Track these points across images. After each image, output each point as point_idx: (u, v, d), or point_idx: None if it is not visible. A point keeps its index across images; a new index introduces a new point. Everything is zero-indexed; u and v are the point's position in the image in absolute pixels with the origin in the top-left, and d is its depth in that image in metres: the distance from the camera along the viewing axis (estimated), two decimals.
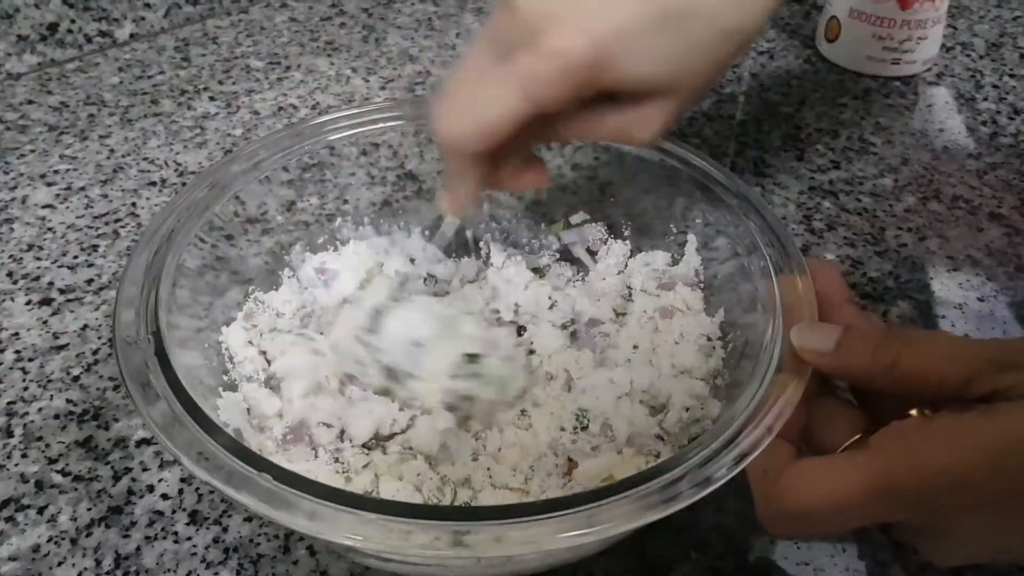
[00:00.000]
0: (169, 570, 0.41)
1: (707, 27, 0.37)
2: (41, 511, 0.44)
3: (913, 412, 0.35)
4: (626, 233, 0.53)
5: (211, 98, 0.76)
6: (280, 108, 0.74)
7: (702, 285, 0.49)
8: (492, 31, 0.39)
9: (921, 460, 0.32)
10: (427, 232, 0.54)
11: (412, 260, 0.52)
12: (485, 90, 0.38)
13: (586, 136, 0.43)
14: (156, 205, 0.63)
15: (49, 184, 0.65)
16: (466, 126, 0.38)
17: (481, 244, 0.54)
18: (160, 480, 0.45)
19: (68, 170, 0.67)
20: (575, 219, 0.54)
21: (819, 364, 0.36)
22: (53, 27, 0.78)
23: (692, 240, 0.49)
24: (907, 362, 0.34)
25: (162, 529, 0.43)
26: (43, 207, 0.63)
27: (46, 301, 0.55)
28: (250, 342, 0.45)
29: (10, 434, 0.47)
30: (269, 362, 0.45)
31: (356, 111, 0.51)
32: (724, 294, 0.47)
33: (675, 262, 0.51)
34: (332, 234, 0.52)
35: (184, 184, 0.65)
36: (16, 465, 0.46)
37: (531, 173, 0.45)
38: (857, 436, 0.36)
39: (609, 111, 0.40)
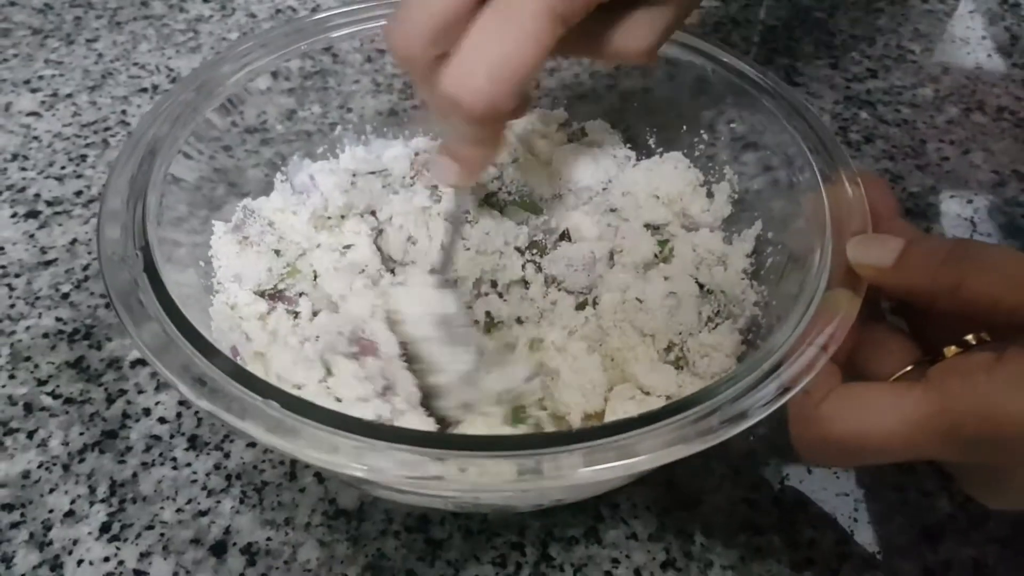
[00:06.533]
0: (168, 498, 0.39)
1: None
2: (31, 435, 0.41)
3: (970, 337, 0.32)
4: (651, 143, 0.49)
5: (205, 0, 0.71)
6: (278, 11, 0.69)
7: (732, 202, 0.45)
8: None
9: (987, 403, 0.28)
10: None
11: (415, 153, 0.48)
12: (506, 20, 0.30)
13: (580, 54, 0.36)
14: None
15: (34, 90, 0.61)
16: (491, 81, 0.30)
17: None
18: (157, 403, 0.43)
19: (54, 76, 0.63)
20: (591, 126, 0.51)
21: (877, 280, 0.33)
22: None
23: (725, 188, 0.46)
24: (974, 284, 0.30)
25: (160, 455, 0.41)
26: (28, 115, 0.59)
27: (32, 214, 0.52)
28: (240, 254, 0.41)
29: None
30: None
31: (356, 7, 0.47)
32: (760, 208, 0.43)
33: (707, 182, 0.47)
34: (332, 144, 0.49)
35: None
36: (3, 387, 0.43)
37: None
38: (908, 368, 0.33)
39: (599, 24, 0.34)
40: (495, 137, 0.35)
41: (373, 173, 0.46)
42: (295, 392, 0.32)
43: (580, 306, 0.42)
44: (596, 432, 0.28)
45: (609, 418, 0.37)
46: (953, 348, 0.32)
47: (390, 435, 0.27)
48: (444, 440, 0.28)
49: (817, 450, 0.32)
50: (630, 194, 0.47)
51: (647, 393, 0.37)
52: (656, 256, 0.45)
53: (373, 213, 0.45)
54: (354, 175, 0.46)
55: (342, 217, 0.45)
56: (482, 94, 0.30)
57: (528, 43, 0.30)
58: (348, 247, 0.43)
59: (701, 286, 0.43)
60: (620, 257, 0.44)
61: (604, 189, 0.48)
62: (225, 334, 0.37)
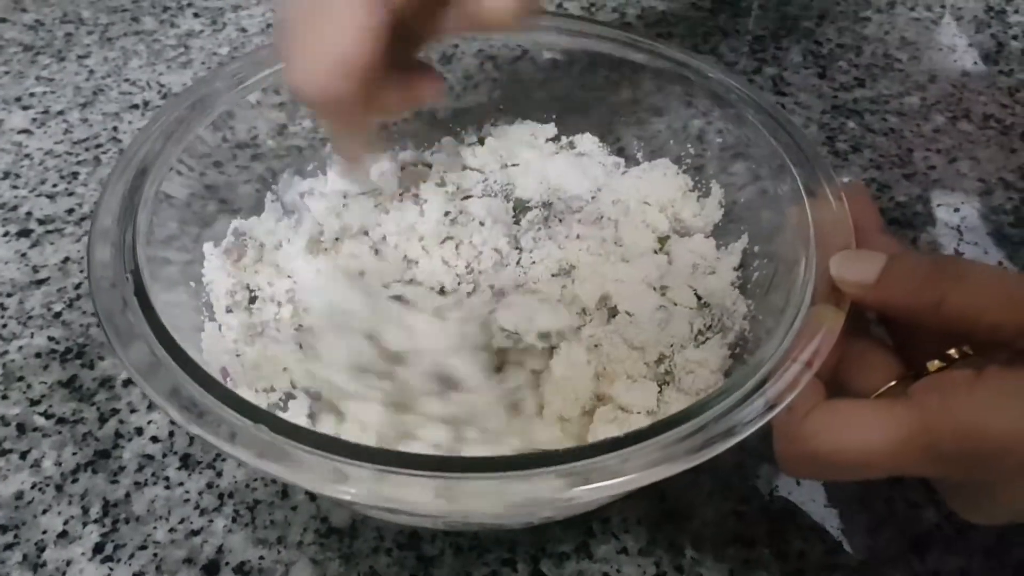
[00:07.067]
0: (161, 517, 0.39)
1: None
2: (24, 456, 0.41)
3: (952, 352, 0.32)
4: (639, 157, 0.50)
5: (195, 15, 0.71)
6: (269, 25, 0.70)
7: (723, 208, 0.46)
8: None
9: (966, 421, 0.28)
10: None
11: (402, 167, 0.49)
12: (326, 14, 0.30)
13: (448, 29, 0.35)
14: (139, 129, 0.59)
15: (25, 108, 0.62)
16: (321, 70, 0.31)
17: None
18: (149, 422, 0.43)
19: (45, 93, 0.63)
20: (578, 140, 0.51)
21: (859, 297, 0.33)
22: None
23: (716, 192, 0.46)
24: (957, 300, 0.30)
25: (152, 474, 0.41)
26: (19, 132, 0.59)
27: (24, 232, 0.52)
28: (231, 275, 0.41)
29: None
30: (254, 298, 0.42)
31: None
32: (746, 221, 0.43)
33: (696, 187, 0.47)
34: (323, 160, 0.49)
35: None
36: None
37: (424, 82, 0.37)
38: (892, 383, 0.33)
39: None
40: (357, 126, 0.36)
41: (364, 194, 0.46)
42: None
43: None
44: (583, 452, 0.29)
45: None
46: (936, 363, 0.32)
47: (379, 458, 0.27)
48: (432, 462, 0.28)
49: (800, 466, 0.33)
50: (620, 202, 0.47)
51: (627, 412, 0.37)
52: (656, 252, 0.45)
53: (366, 233, 0.45)
54: (345, 196, 0.46)
55: (336, 240, 0.45)
56: (309, 84, 0.31)
57: (350, 31, 0.30)
58: None
59: (699, 298, 0.43)
60: (621, 251, 0.45)
61: (593, 198, 0.48)
62: (217, 355, 0.38)
